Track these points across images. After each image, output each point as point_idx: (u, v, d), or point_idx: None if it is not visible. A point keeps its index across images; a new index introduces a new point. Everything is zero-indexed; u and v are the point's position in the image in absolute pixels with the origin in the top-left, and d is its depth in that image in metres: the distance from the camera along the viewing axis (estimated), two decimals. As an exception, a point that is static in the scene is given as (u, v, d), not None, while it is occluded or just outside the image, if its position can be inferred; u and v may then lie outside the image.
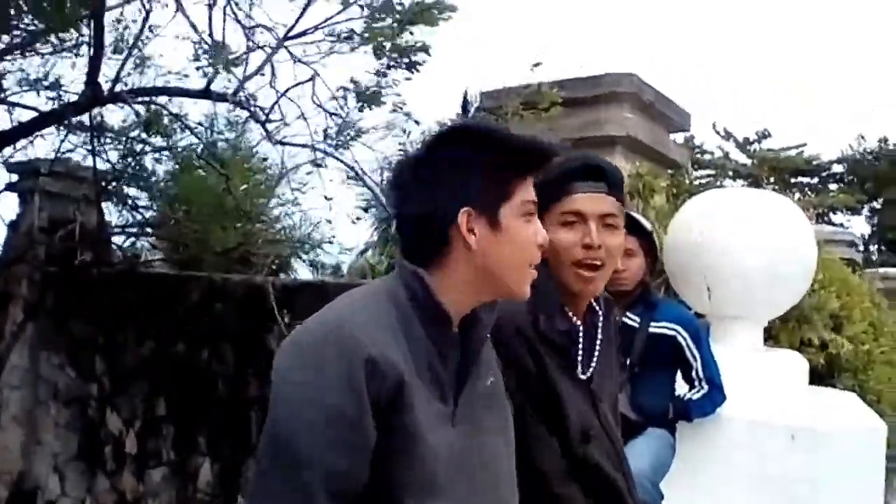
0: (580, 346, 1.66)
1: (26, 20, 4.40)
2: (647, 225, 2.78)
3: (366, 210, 6.22)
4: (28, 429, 5.42)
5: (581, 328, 1.67)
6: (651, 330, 2.69)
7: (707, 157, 16.00)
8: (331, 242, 6.73)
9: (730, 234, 3.12)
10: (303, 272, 7.20)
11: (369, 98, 4.31)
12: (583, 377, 1.66)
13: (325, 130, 4.41)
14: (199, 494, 4.51)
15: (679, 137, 4.62)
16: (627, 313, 2.69)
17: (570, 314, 1.67)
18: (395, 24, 4.05)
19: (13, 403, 5.48)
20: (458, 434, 1.25)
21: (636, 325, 2.69)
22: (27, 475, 5.37)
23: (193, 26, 4.13)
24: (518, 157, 1.29)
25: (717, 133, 15.35)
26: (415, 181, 1.29)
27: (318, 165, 4.60)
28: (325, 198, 4.77)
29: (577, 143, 3.84)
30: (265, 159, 6.37)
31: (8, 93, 4.91)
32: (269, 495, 1.16)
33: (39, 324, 5.49)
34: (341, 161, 4.56)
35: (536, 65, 3.90)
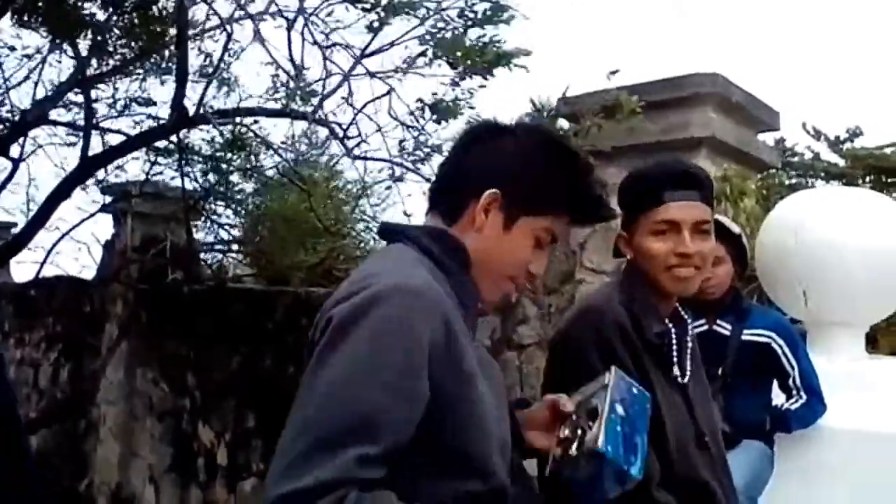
0: (675, 349, 1.68)
1: (116, 47, 4.59)
2: (735, 229, 2.67)
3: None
4: (125, 441, 5.62)
5: (674, 333, 1.69)
6: (744, 338, 2.59)
7: (796, 158, 15.45)
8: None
9: (827, 234, 2.97)
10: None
11: (445, 111, 4.33)
12: (682, 381, 1.68)
13: (400, 142, 4.43)
14: (287, 507, 4.57)
15: (769, 138, 4.43)
16: (718, 321, 2.60)
17: (663, 318, 1.69)
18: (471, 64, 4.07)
19: (110, 417, 5.69)
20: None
21: (727, 333, 2.59)
22: (124, 486, 5.56)
23: (270, 55, 4.22)
24: (574, 198, 1.32)
25: (807, 132, 14.76)
26: (477, 143, 1.35)
27: (398, 180, 4.63)
28: (405, 213, 4.79)
29: (660, 146, 3.73)
30: (342, 174, 6.47)
31: (100, 117, 5.12)
32: None
33: (133, 340, 5.68)
34: (419, 174, 4.58)
35: (614, 72, 3.80)
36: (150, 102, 5.16)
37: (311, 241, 5.71)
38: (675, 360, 1.69)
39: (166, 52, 4.80)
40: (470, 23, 4.10)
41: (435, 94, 4.30)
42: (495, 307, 1.40)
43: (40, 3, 4.32)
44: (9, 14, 4.29)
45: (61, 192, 4.96)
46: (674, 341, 1.69)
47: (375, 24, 4.11)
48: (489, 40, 4.08)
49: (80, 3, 4.30)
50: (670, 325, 1.70)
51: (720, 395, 2.51)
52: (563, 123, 4.07)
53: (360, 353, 1.09)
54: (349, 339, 1.10)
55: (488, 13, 4.06)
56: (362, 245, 6.69)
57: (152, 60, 4.96)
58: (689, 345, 1.74)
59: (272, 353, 4.89)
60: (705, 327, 2.57)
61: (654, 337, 1.65)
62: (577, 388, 1.42)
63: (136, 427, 5.61)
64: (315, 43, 4.24)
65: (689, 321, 1.77)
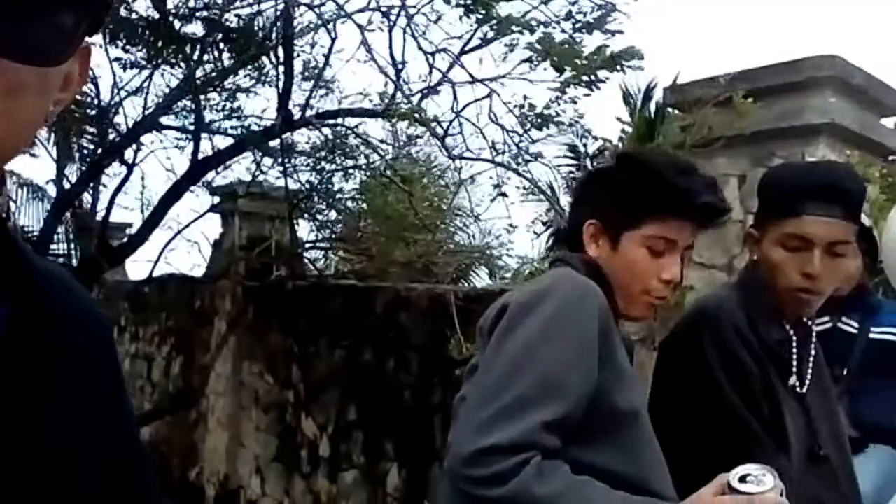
0: (794, 357, 1.57)
1: (224, 55, 4.73)
2: (867, 221, 2.49)
3: (546, 225, 6.14)
4: (232, 432, 5.80)
5: (794, 339, 1.58)
6: (871, 336, 2.41)
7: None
8: (509, 255, 6.79)
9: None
10: (481, 281, 7.26)
11: (544, 120, 4.28)
12: (800, 391, 1.57)
13: (493, 145, 4.41)
14: (388, 499, 4.60)
15: (890, 123, 4.16)
16: (843, 318, 2.43)
17: (784, 324, 1.58)
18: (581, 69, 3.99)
19: (219, 409, 5.88)
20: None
21: (854, 331, 2.42)
22: (232, 475, 5.74)
23: (372, 56, 4.24)
24: (660, 198, 1.38)
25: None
26: (580, 192, 1.56)
27: (499, 189, 4.64)
28: (509, 218, 4.82)
29: (775, 134, 3.55)
30: (440, 171, 6.49)
31: (209, 122, 5.29)
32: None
33: (241, 335, 5.86)
34: (519, 174, 4.54)
35: (728, 76, 3.66)
36: (241, 120, 5.27)
37: (411, 238, 5.75)
38: (794, 368, 1.58)
39: (271, 56, 4.91)
40: (579, 26, 4.02)
41: (533, 104, 4.24)
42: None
43: (139, 28, 4.48)
44: (108, 37, 4.46)
45: (173, 193, 5.16)
46: (794, 349, 1.58)
47: (490, 35, 4.09)
48: (600, 46, 4.00)
49: (182, 24, 4.44)
50: (791, 332, 1.59)
51: (845, 398, 2.35)
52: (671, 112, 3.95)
53: (540, 330, 1.23)
54: (529, 319, 1.25)
55: (597, 17, 3.97)
56: (460, 241, 6.70)
57: (256, 66, 5.08)
58: (812, 352, 1.62)
59: (372, 347, 4.94)
60: (829, 325, 2.41)
61: (774, 343, 1.55)
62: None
63: (242, 418, 5.78)
64: (419, 49, 4.25)
65: (812, 324, 1.66)
